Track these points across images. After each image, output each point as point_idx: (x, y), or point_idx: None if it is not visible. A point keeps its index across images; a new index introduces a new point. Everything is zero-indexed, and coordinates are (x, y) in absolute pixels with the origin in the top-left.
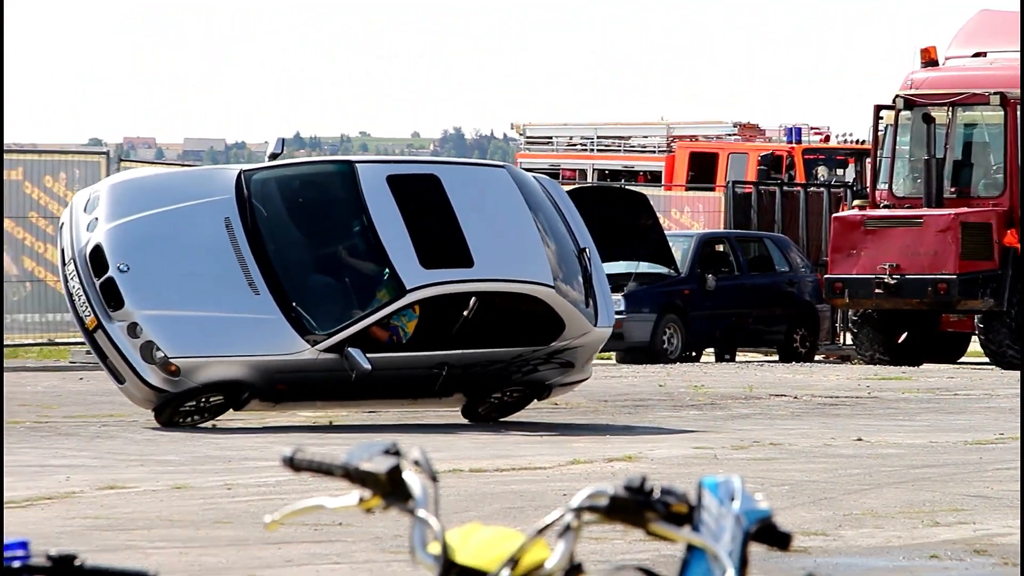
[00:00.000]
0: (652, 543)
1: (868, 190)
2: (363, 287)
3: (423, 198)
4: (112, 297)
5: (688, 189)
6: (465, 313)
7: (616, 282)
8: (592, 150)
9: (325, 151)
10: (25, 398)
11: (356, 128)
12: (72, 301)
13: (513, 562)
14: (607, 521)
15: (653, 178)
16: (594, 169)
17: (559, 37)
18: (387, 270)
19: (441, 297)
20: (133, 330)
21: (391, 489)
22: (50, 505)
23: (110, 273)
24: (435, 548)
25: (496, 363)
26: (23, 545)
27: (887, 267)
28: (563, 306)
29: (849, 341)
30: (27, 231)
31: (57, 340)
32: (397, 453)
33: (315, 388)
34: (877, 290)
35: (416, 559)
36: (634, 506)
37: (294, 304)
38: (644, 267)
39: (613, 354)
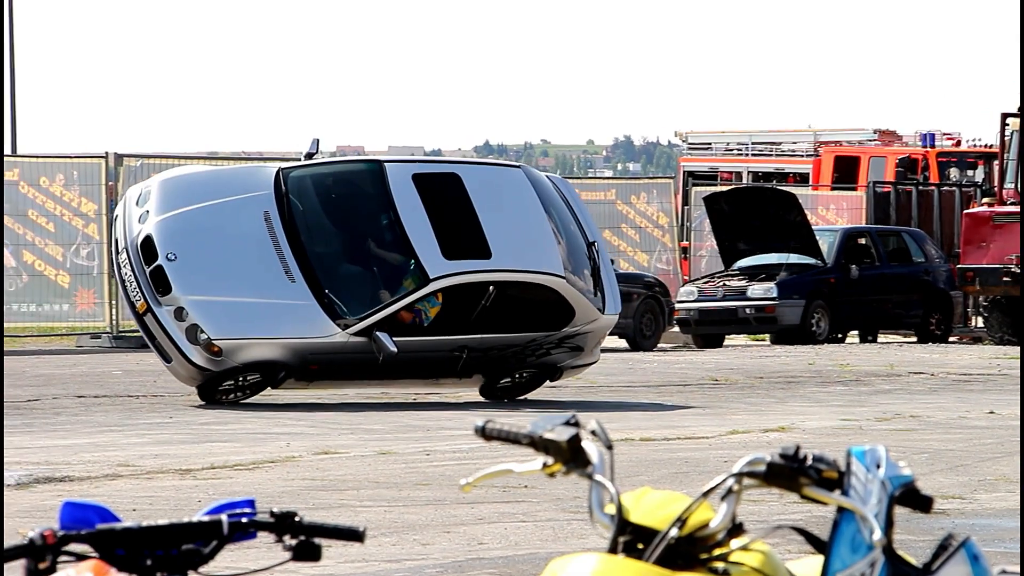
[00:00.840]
0: (805, 506)
1: (996, 189)
2: (390, 276)
3: (445, 195)
4: (161, 284)
5: (833, 189)
6: (484, 301)
7: (770, 272)
8: (747, 154)
9: (511, 156)
10: None
11: (538, 136)
12: (125, 287)
13: (681, 522)
14: (764, 486)
15: (801, 179)
16: (748, 172)
17: (720, 53)
18: (412, 261)
19: (461, 286)
20: (180, 314)
21: (571, 456)
22: (272, 468)
23: (159, 262)
24: (611, 509)
25: (512, 347)
26: (250, 503)
27: (1013, 258)
28: (573, 295)
29: (980, 324)
30: None
31: None
32: (576, 424)
33: (345, 368)
34: (1005, 278)
35: (593, 519)
36: (789, 472)
37: (326, 291)
38: (794, 258)
39: (767, 336)
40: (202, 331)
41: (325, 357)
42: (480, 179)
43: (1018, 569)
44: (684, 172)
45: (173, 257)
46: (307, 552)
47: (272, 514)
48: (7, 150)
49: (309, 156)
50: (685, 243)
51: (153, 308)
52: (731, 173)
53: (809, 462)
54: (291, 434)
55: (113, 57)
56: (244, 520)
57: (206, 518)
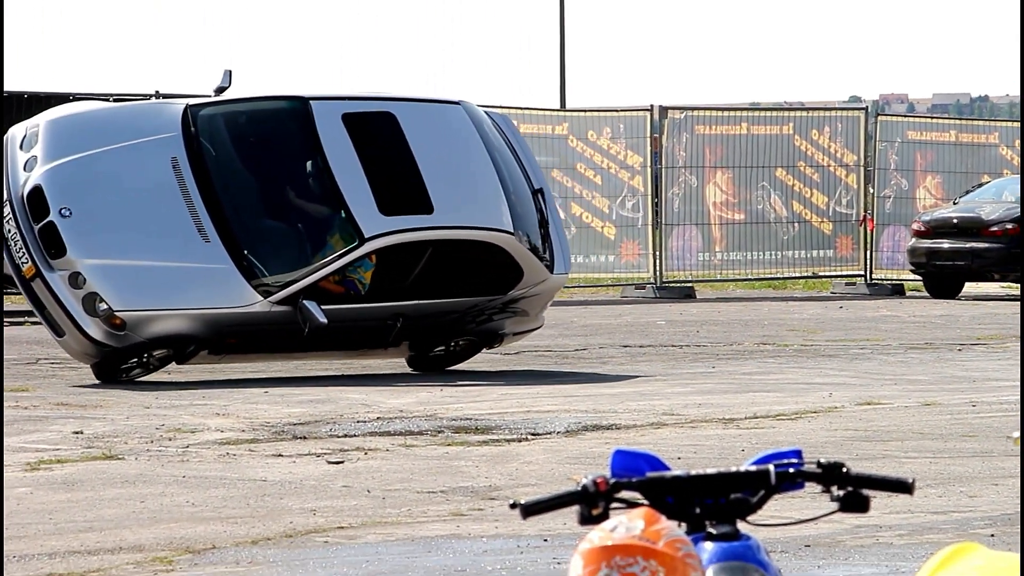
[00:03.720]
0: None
1: None
2: (318, 234)
3: (379, 138)
4: (53, 244)
5: None
6: (421, 262)
7: None
8: None
9: None
10: (793, 324)
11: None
12: (7, 247)
13: None
14: None
15: None
16: None
17: None
18: (344, 216)
19: (396, 245)
20: (75, 280)
21: None
22: (815, 418)
23: (51, 217)
24: None
25: (452, 313)
26: (797, 453)
27: None
28: (523, 254)
29: None
30: (795, 178)
31: (820, 273)
32: None
33: (265, 341)
34: None
35: None
36: None
37: (245, 252)
38: None
39: None
40: (102, 301)
41: (244, 329)
42: (417, 119)
43: None
44: None
45: (68, 213)
46: (855, 503)
47: (819, 464)
48: (555, 104)
49: (220, 91)
50: None
51: (43, 272)
52: None
53: None
54: (833, 384)
55: (669, 11)
56: (791, 470)
57: (753, 468)
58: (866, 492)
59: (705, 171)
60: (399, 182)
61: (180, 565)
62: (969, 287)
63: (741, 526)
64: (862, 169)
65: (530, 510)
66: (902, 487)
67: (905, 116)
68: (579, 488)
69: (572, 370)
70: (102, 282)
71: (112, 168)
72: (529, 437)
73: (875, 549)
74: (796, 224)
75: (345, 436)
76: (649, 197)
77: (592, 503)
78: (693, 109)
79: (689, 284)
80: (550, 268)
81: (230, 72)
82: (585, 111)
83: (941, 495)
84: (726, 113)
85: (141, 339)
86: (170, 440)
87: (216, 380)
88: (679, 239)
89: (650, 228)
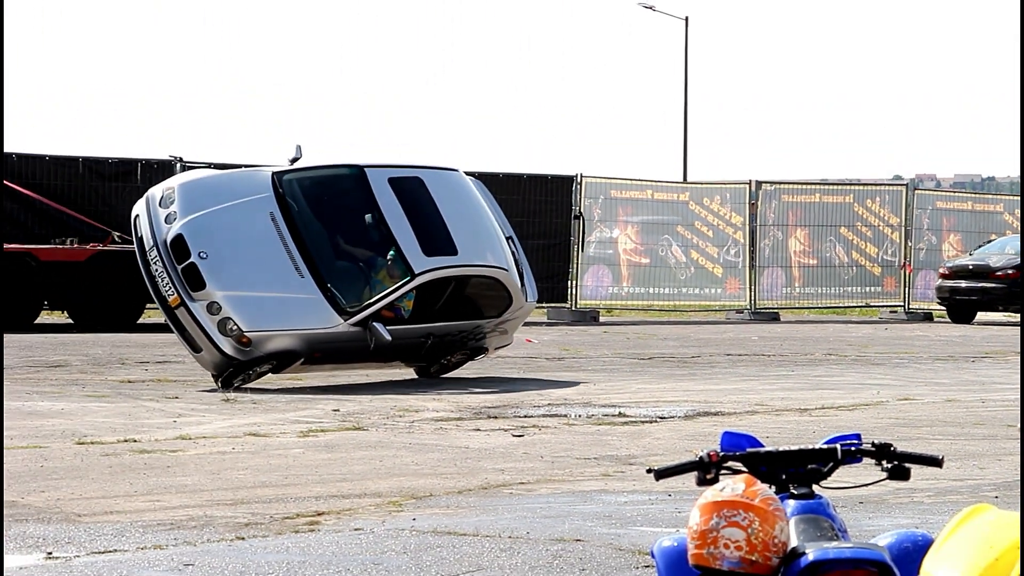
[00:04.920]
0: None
1: None
2: (379, 271)
3: (414, 197)
4: (192, 280)
5: None
6: (446, 292)
7: None
8: None
9: None
10: (850, 340)
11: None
12: (155, 282)
13: None
14: None
15: None
16: None
17: None
18: (397, 257)
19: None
20: (212, 308)
21: None
22: (866, 409)
23: (192, 259)
24: None
25: (463, 332)
26: (857, 436)
27: None
28: (513, 285)
29: None
30: (854, 234)
31: (871, 304)
32: None
33: (341, 354)
34: None
35: None
36: None
37: (328, 285)
38: None
39: None
40: (234, 324)
41: (329, 345)
42: (437, 182)
43: None
44: None
45: (205, 255)
46: (900, 473)
47: (873, 444)
48: (679, 177)
49: (294, 161)
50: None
51: (186, 302)
52: None
53: None
54: (880, 385)
55: (764, 106)
56: (853, 448)
57: (825, 446)
58: (907, 465)
59: (788, 228)
60: (433, 230)
61: (407, 507)
62: (980, 316)
63: (816, 489)
64: (903, 229)
65: (661, 474)
66: (935, 462)
67: (935, 191)
68: (697, 459)
69: (689, 371)
70: (234, 309)
71: (231, 221)
72: (658, 419)
73: (910, 506)
74: (854, 268)
75: (525, 416)
76: (747, 246)
77: (707, 470)
78: (780, 183)
79: (775, 310)
80: (525, 297)
81: (300, 146)
82: (701, 183)
83: (959, 467)
84: (804, 186)
85: (261, 354)
86: (400, 416)
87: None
88: (768, 277)
89: (747, 269)
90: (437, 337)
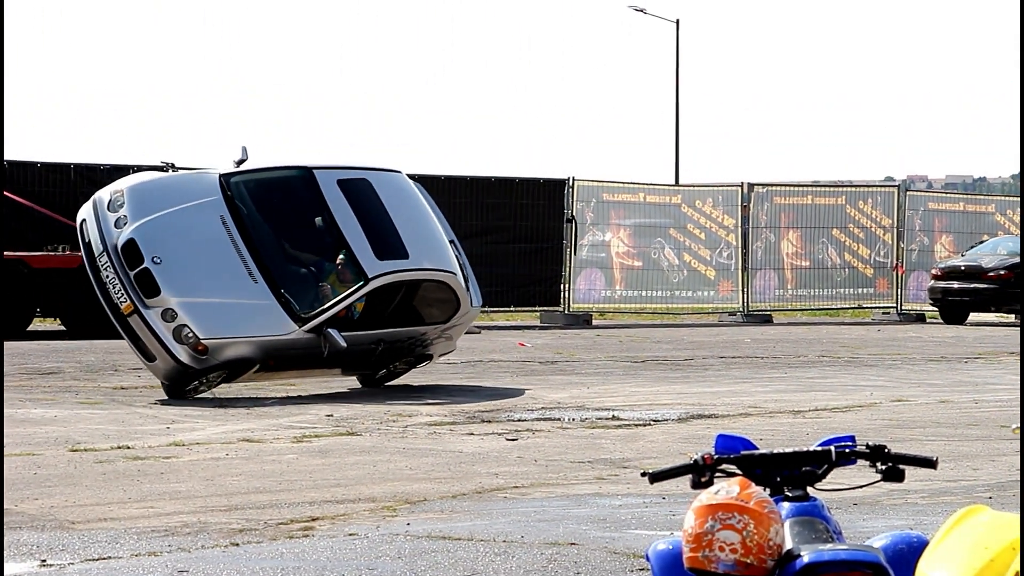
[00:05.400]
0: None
1: None
2: (330, 276)
3: (362, 200)
4: (145, 286)
5: None
6: (397, 297)
7: None
8: None
9: None
10: (843, 342)
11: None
12: (105, 289)
13: None
14: None
15: None
16: None
17: None
18: (350, 261)
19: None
20: (167, 315)
21: None
22: (860, 411)
23: (145, 264)
24: None
25: (411, 338)
26: (851, 438)
27: None
28: (461, 290)
29: None
30: (846, 236)
31: (864, 305)
32: None
33: (295, 361)
34: None
35: None
36: None
37: (282, 291)
38: None
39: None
40: (190, 331)
41: (283, 352)
42: (383, 184)
43: None
44: None
45: (159, 260)
46: (894, 475)
47: (867, 446)
48: (671, 180)
49: (239, 163)
50: None
51: (140, 309)
52: None
53: None
54: (873, 386)
55: (754, 108)
56: (847, 450)
57: (819, 448)
58: (902, 467)
59: (780, 230)
60: (384, 234)
61: (401, 512)
62: (973, 316)
63: (810, 491)
64: (895, 230)
65: (655, 477)
66: (929, 464)
67: (926, 192)
68: (692, 462)
69: (683, 374)
70: (189, 316)
71: (183, 225)
72: (651, 423)
73: (904, 507)
74: (846, 269)
75: (519, 420)
76: (739, 249)
77: (701, 473)
78: (772, 185)
79: (768, 312)
80: (471, 301)
81: (245, 148)
82: (693, 185)
83: (952, 468)
84: (796, 188)
85: (216, 362)
86: (394, 421)
87: (426, 379)
88: (761, 279)
89: (740, 271)
90: (387, 343)
